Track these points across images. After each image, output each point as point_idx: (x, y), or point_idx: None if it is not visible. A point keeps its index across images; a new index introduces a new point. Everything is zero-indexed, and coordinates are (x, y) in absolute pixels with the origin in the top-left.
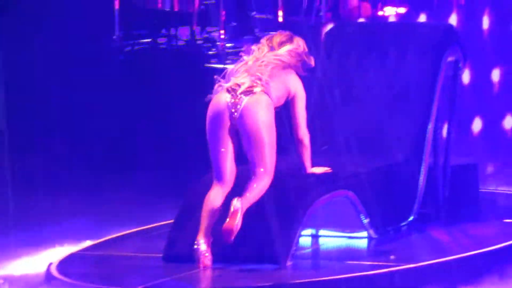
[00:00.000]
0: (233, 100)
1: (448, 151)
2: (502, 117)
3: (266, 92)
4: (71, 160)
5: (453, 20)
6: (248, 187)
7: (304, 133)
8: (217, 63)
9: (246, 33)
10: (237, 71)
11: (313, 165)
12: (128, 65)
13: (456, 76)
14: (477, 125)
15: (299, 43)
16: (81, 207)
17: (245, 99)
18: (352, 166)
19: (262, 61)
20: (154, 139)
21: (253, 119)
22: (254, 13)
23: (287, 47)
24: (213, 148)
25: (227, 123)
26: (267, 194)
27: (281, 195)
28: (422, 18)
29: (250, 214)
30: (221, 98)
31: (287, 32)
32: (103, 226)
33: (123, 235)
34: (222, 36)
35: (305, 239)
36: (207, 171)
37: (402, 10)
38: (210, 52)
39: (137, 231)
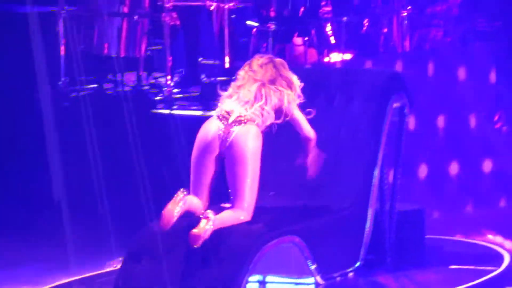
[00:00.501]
0: (224, 129)
1: (394, 197)
2: (448, 163)
3: (255, 120)
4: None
5: (398, 66)
6: (224, 211)
7: (308, 131)
8: (163, 108)
9: (193, 79)
10: (229, 96)
11: (259, 211)
12: (73, 111)
13: (402, 122)
14: (422, 171)
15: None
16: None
17: (236, 130)
18: (299, 212)
19: (248, 85)
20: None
21: (242, 151)
22: (201, 59)
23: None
24: (196, 171)
25: (215, 151)
26: (214, 240)
27: (228, 241)
28: (368, 64)
29: (197, 259)
30: (212, 125)
31: (267, 55)
32: (42, 273)
33: (66, 283)
34: (169, 82)
35: (252, 286)
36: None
37: (348, 56)
38: (157, 98)
39: (81, 278)
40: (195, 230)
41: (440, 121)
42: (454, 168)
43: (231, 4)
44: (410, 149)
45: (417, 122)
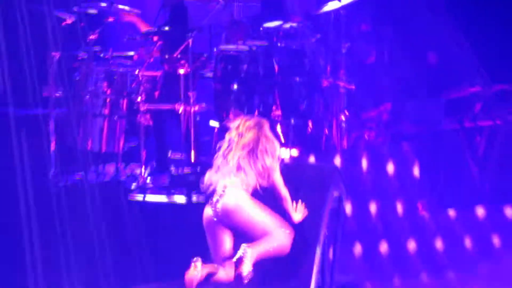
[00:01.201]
0: (214, 210)
1: (333, 271)
2: (378, 242)
3: (236, 186)
4: None
5: (337, 161)
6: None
7: (285, 194)
8: (138, 195)
9: (163, 170)
10: (214, 169)
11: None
12: (62, 198)
13: (340, 207)
14: (357, 248)
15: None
16: None
17: (220, 205)
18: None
19: (232, 153)
20: None
21: (233, 219)
22: (170, 153)
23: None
24: (213, 247)
25: (219, 228)
26: None
27: None
28: (312, 159)
29: None
30: (207, 213)
31: (253, 118)
32: None
33: None
34: (143, 173)
35: None
36: None
37: (295, 152)
38: (133, 186)
39: None
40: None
41: (372, 207)
42: (383, 247)
43: (196, 107)
44: (347, 230)
45: (353, 208)
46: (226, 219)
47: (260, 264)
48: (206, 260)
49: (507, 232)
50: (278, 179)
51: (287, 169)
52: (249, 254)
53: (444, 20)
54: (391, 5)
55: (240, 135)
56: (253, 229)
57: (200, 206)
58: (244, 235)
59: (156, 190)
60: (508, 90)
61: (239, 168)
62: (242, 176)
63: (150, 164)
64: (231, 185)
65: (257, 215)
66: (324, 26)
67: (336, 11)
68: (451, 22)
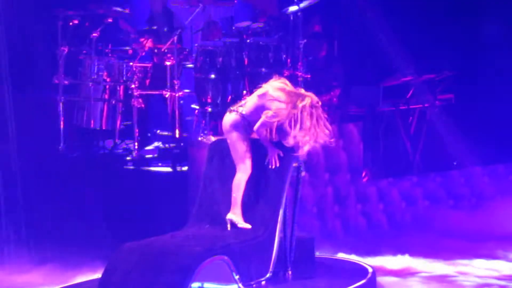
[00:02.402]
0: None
1: (293, 227)
2: (330, 205)
3: (237, 111)
4: None
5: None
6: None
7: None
8: (132, 165)
9: (151, 145)
10: None
11: (199, 236)
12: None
13: (299, 176)
14: (313, 209)
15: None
16: None
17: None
18: (227, 238)
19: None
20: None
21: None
22: (158, 131)
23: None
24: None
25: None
26: (164, 259)
27: (177, 259)
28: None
29: (151, 272)
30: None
31: (281, 80)
32: None
33: None
34: (136, 147)
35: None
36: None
37: None
38: (128, 158)
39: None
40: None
41: (326, 176)
42: (334, 208)
43: (180, 93)
44: (304, 195)
45: (309, 177)
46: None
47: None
48: (188, 216)
49: (436, 196)
50: (261, 119)
51: (256, 143)
52: (235, 218)
53: (382, 20)
54: (339, 9)
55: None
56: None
57: (184, 174)
58: None
59: (147, 161)
60: (434, 79)
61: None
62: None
63: (141, 140)
64: (232, 110)
65: (236, 148)
66: (285, 26)
67: (294, 14)
68: (388, 23)
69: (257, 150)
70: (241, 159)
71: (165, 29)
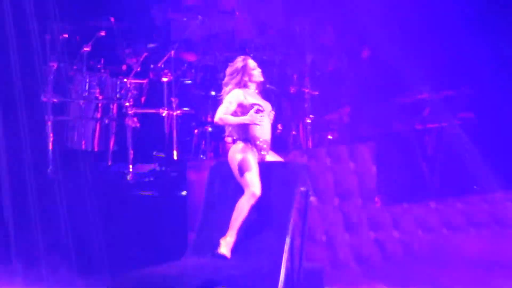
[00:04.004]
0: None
1: (301, 257)
2: (340, 232)
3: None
4: None
5: (303, 159)
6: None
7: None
8: (126, 190)
9: (148, 167)
10: None
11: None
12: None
13: (306, 201)
14: (322, 238)
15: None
16: None
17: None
18: (229, 269)
19: None
20: None
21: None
22: (154, 152)
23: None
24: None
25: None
26: None
27: None
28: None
29: None
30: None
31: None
32: None
33: None
34: (131, 170)
35: None
36: None
37: None
38: (122, 181)
39: None
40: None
41: (335, 201)
42: (345, 236)
43: (178, 111)
44: (312, 222)
45: (318, 202)
46: None
47: (236, 252)
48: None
49: (455, 224)
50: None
51: (260, 167)
52: (225, 246)
53: (396, 32)
54: (348, 20)
55: None
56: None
57: (182, 199)
58: None
59: (142, 185)
60: (453, 96)
61: None
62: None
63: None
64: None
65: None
66: (291, 39)
67: (301, 27)
68: (402, 36)
69: (262, 173)
70: (249, 181)
71: (162, 43)
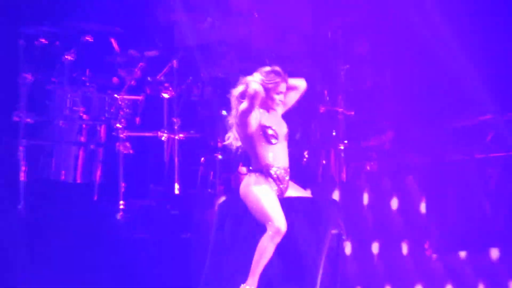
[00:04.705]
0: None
1: None
2: (381, 287)
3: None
4: None
5: (336, 195)
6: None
7: None
8: (117, 231)
9: (143, 203)
10: None
11: None
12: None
13: (339, 247)
14: None
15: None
16: None
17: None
18: None
19: None
20: None
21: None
22: (151, 185)
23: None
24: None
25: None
26: None
27: None
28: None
29: None
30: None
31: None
32: None
33: None
34: (122, 207)
35: None
36: None
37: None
38: (118, 217)
39: None
40: None
41: (374, 247)
42: None
43: (181, 135)
44: (347, 273)
45: (353, 248)
46: None
47: None
48: None
49: None
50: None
51: (283, 204)
52: None
53: (451, 42)
54: (392, 25)
55: None
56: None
57: (186, 243)
58: None
59: (136, 226)
60: None
61: None
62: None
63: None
64: None
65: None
66: (321, 47)
67: (333, 32)
68: (459, 45)
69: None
70: (271, 215)
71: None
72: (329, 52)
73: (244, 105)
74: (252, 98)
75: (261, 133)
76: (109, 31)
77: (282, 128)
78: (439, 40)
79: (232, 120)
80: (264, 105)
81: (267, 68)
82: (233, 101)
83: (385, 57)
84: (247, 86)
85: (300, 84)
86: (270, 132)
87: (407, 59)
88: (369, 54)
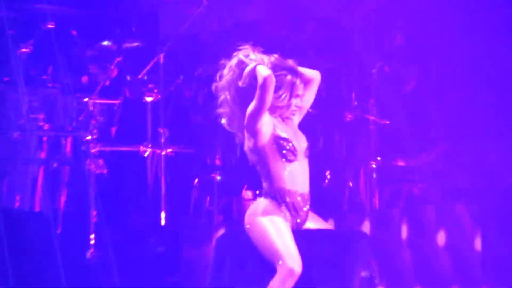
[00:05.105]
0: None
1: None
2: None
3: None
4: None
5: (366, 227)
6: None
7: None
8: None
9: (121, 236)
10: None
11: None
12: None
13: None
14: None
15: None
16: None
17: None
18: None
19: None
20: None
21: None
22: (131, 214)
23: None
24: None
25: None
26: None
27: None
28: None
29: None
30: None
31: None
32: None
33: None
34: (92, 241)
35: None
36: None
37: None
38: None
39: None
40: None
41: None
42: None
43: (169, 150)
44: None
45: None
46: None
47: None
48: None
49: None
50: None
51: (298, 237)
52: None
53: None
54: (442, 6)
55: None
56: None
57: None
58: None
59: (111, 266)
60: None
61: None
62: None
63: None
64: None
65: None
66: (346, 39)
67: (363, 19)
68: None
69: (300, 249)
70: (283, 253)
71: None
72: (358, 44)
73: (254, 103)
74: (265, 88)
75: (274, 146)
76: (76, 16)
77: (301, 142)
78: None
79: (225, 108)
80: (275, 111)
81: (273, 58)
82: (227, 76)
83: (430, 50)
84: (244, 62)
85: (315, 76)
86: (286, 145)
87: (459, 53)
88: (409, 46)
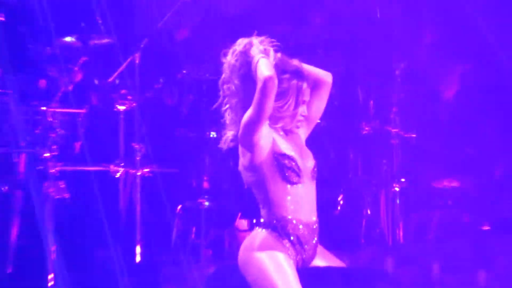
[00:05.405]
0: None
1: None
2: None
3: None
4: None
5: (388, 264)
6: None
7: None
8: None
9: (87, 277)
10: None
11: None
12: None
13: None
14: None
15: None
16: None
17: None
18: None
19: None
20: None
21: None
22: (99, 249)
23: None
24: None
25: None
26: None
27: None
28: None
29: None
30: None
31: None
32: None
33: None
34: (51, 280)
35: None
36: None
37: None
38: None
39: None
40: None
41: None
42: None
43: (146, 170)
44: None
45: None
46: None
47: None
48: None
49: None
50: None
51: (304, 277)
52: None
53: None
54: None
55: None
56: None
57: None
58: None
59: None
60: None
61: None
62: None
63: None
64: None
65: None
66: (362, 34)
67: (382, 11)
68: None
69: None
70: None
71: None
72: (377, 42)
73: (251, 110)
74: (264, 93)
75: (274, 164)
76: (31, 7)
77: (306, 160)
78: None
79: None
80: (278, 121)
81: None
82: (233, 61)
83: (462, 50)
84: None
85: (325, 79)
86: (288, 164)
87: (496, 54)
88: (438, 45)
